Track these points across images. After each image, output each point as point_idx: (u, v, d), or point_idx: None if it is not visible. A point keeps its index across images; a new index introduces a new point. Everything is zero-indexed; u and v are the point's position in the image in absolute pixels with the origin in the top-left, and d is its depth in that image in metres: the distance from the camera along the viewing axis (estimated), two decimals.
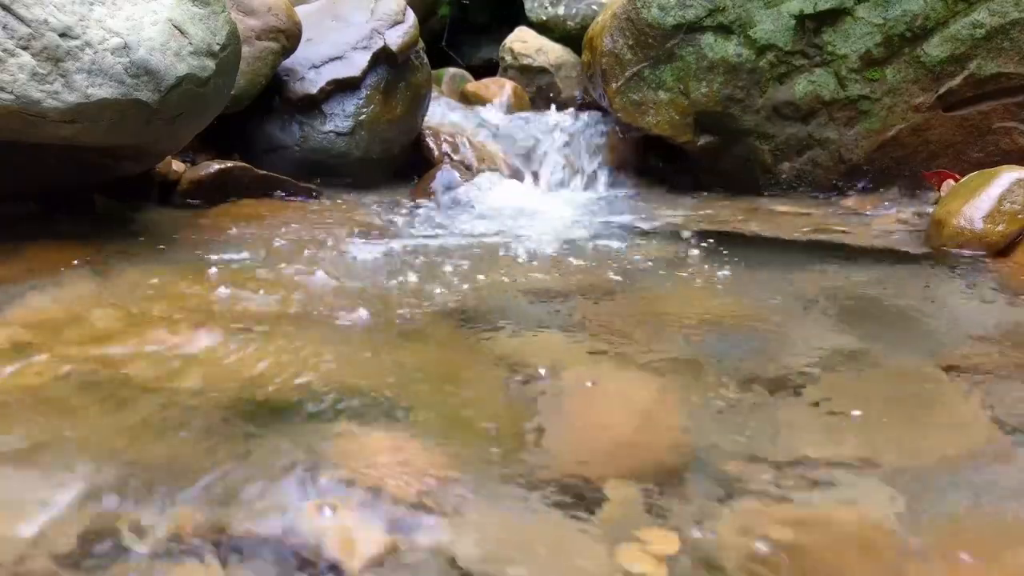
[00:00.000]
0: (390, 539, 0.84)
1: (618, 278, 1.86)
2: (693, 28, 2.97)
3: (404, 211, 2.61)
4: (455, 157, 3.15)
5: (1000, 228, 2.11)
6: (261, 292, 1.62)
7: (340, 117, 2.92)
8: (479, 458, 1.02)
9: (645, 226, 2.48)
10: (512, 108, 3.85)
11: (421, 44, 3.26)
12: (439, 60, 4.62)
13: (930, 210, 2.50)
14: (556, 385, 1.25)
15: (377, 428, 1.08)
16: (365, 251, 2.01)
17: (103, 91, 1.72)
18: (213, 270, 1.75)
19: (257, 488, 0.92)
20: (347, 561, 0.81)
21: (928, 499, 0.95)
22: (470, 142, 3.23)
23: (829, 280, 1.89)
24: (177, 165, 2.53)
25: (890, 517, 0.91)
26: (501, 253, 2.07)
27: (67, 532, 0.83)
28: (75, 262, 1.73)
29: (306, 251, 1.98)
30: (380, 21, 3.08)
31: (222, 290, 1.61)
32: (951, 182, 2.60)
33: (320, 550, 0.82)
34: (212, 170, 2.50)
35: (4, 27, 1.63)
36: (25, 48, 1.65)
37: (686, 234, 2.37)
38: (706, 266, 1.99)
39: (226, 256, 1.88)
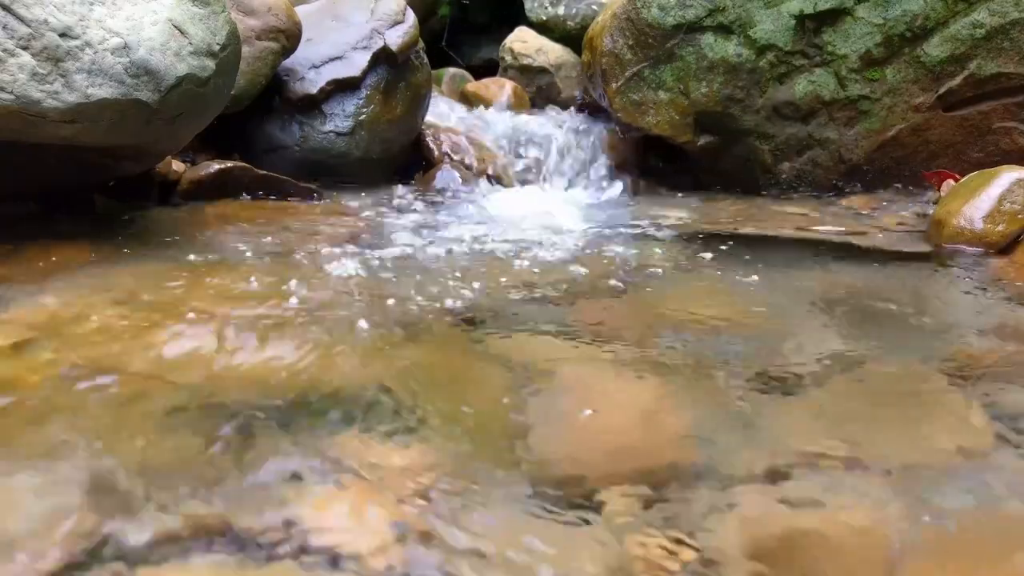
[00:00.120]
0: (391, 537, 0.84)
1: (618, 279, 1.86)
2: (693, 28, 2.97)
3: (404, 211, 2.60)
4: (455, 157, 3.15)
5: (1000, 228, 2.11)
6: (261, 292, 1.62)
7: (340, 117, 2.92)
8: (480, 458, 1.02)
9: (645, 227, 2.48)
10: (512, 108, 3.84)
11: (421, 44, 3.26)
12: (439, 60, 4.62)
13: (930, 210, 2.50)
14: (557, 386, 1.25)
15: (378, 428, 1.08)
16: (365, 251, 2.01)
17: (103, 91, 1.72)
18: (213, 270, 1.75)
19: (258, 485, 0.92)
20: (350, 556, 0.81)
21: (929, 499, 0.95)
22: (470, 142, 3.23)
23: (829, 280, 1.89)
24: (177, 165, 2.53)
25: (891, 518, 0.91)
26: (500, 254, 2.07)
27: (68, 532, 0.83)
28: (75, 262, 1.73)
29: (306, 251, 1.97)
30: (380, 21, 3.08)
31: (222, 290, 1.61)
32: (951, 182, 2.60)
33: (322, 544, 0.82)
34: (212, 170, 2.50)
35: (4, 27, 1.63)
36: (25, 48, 1.65)
37: (686, 234, 2.37)
38: (706, 266, 1.99)
39: (226, 256, 1.88)
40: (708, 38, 2.96)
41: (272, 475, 0.95)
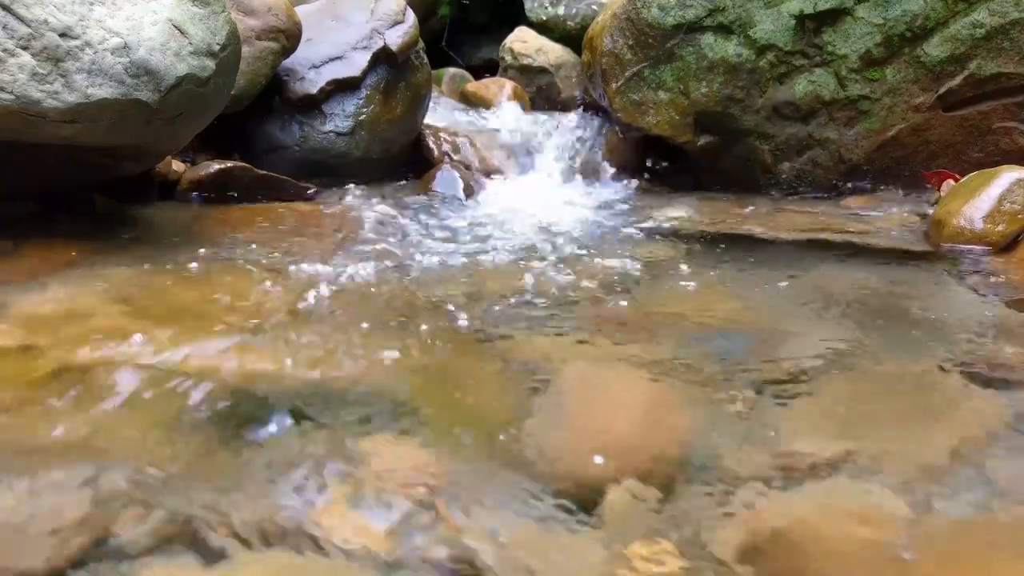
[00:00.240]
0: (395, 534, 0.84)
1: (619, 279, 1.86)
2: (693, 28, 2.97)
3: (404, 211, 2.60)
4: (455, 157, 3.15)
5: (1000, 228, 2.11)
6: (261, 292, 1.62)
7: (340, 117, 2.92)
8: (481, 458, 1.02)
9: (646, 227, 2.48)
10: (520, 107, 3.85)
11: (421, 44, 3.26)
12: (439, 60, 4.62)
13: (930, 210, 2.50)
14: (558, 386, 1.25)
15: (378, 427, 1.08)
16: (364, 251, 2.01)
17: (103, 91, 1.72)
18: (213, 270, 1.75)
19: (259, 484, 0.92)
20: (353, 552, 0.81)
21: (930, 499, 0.95)
22: (470, 142, 3.23)
23: (829, 280, 1.89)
24: (177, 165, 2.53)
25: (892, 517, 0.91)
26: (500, 254, 2.07)
27: (70, 532, 0.83)
28: (75, 262, 1.73)
29: (305, 251, 1.97)
30: (380, 21, 3.08)
31: (222, 289, 1.61)
32: (951, 182, 2.60)
33: (331, 540, 0.82)
34: (212, 170, 2.50)
35: (4, 27, 1.63)
36: (25, 48, 1.65)
37: (686, 234, 2.37)
38: (707, 266, 1.99)
39: (226, 256, 1.88)
40: (708, 38, 2.96)
41: (279, 473, 0.95)
